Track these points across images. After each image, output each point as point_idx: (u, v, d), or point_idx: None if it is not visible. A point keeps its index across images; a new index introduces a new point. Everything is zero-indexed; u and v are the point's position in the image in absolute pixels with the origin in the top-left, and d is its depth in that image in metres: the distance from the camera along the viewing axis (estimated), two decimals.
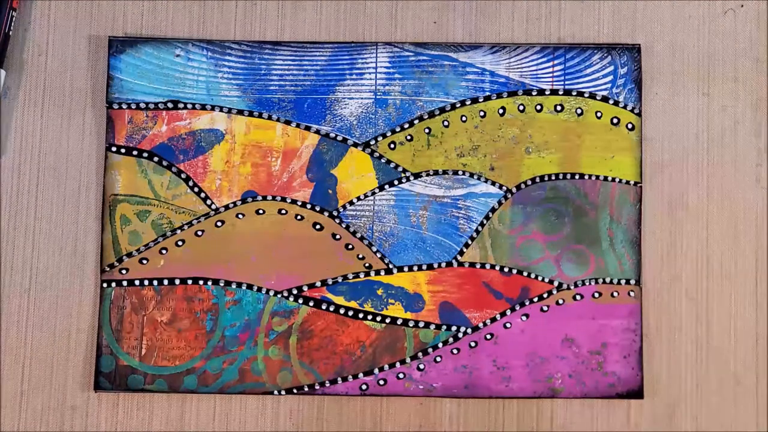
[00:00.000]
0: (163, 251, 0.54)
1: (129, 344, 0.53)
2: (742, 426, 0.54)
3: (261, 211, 0.54)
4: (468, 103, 0.55)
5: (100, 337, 0.53)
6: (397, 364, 0.53)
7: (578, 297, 0.54)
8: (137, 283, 0.53)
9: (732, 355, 0.54)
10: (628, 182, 0.54)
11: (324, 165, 0.54)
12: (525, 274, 0.54)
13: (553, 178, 0.54)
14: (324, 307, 0.53)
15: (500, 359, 0.53)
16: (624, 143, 0.55)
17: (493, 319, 0.54)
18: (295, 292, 0.53)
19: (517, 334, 0.53)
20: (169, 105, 0.54)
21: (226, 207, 0.54)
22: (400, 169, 0.54)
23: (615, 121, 0.55)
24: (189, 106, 0.54)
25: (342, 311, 0.53)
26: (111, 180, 0.54)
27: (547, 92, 0.55)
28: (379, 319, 0.53)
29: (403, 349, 0.53)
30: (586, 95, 0.55)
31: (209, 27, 0.55)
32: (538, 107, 0.55)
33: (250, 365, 0.53)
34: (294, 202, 0.54)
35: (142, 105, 0.54)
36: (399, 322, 0.53)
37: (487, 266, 0.54)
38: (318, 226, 0.54)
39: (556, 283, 0.54)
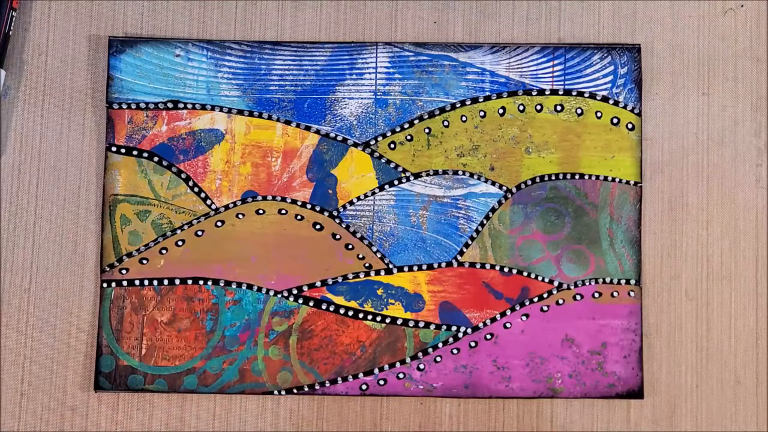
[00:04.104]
0: (163, 251, 0.54)
1: (129, 344, 0.53)
2: (742, 426, 0.54)
3: (261, 211, 0.54)
4: (468, 103, 0.55)
5: (100, 337, 0.53)
6: (397, 364, 0.53)
7: (578, 297, 0.54)
8: (137, 283, 0.53)
9: (732, 355, 0.54)
10: (628, 182, 0.54)
11: (324, 165, 0.54)
12: (525, 274, 0.54)
13: (553, 178, 0.54)
14: (324, 307, 0.53)
15: (500, 359, 0.53)
16: (624, 143, 0.55)
17: (493, 319, 0.54)
18: (295, 292, 0.53)
19: (517, 334, 0.53)
20: (169, 105, 0.54)
21: (226, 207, 0.54)
22: (400, 169, 0.54)
23: (615, 121, 0.55)
24: (189, 106, 0.54)
25: (342, 311, 0.53)
26: (111, 180, 0.54)
27: (547, 92, 0.55)
28: (379, 319, 0.53)
29: (403, 349, 0.53)
30: (586, 95, 0.55)
31: (209, 27, 0.55)
32: (538, 107, 0.55)
33: (250, 365, 0.53)
34: (294, 202, 0.54)
35: (142, 105, 0.54)
36: (399, 322, 0.53)
37: (487, 266, 0.54)
38: (318, 226, 0.54)
39: (556, 283, 0.54)
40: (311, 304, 0.53)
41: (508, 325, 0.54)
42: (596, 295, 0.54)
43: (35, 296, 0.54)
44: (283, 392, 0.53)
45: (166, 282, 0.53)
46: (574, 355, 0.53)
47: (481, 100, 0.55)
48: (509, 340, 0.53)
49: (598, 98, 0.55)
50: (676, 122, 0.55)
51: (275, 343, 0.53)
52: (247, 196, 0.54)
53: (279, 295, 0.53)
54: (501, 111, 0.55)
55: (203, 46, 0.55)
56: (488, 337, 0.53)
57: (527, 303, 0.54)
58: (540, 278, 0.54)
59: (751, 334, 0.54)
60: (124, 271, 0.53)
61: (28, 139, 0.54)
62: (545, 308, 0.54)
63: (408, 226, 0.54)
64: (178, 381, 0.53)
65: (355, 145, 0.55)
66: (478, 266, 0.54)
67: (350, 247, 0.54)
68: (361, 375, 0.53)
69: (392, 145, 0.54)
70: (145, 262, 0.53)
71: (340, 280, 0.54)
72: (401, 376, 0.53)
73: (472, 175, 0.54)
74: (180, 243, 0.54)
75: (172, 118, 0.54)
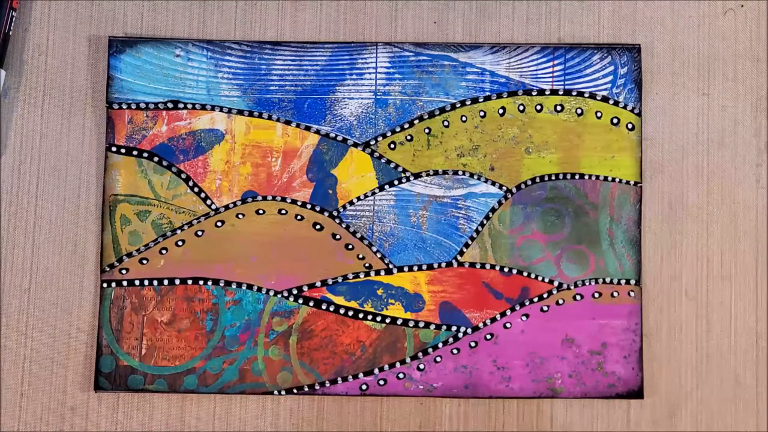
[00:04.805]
0: (163, 251, 0.54)
1: (129, 344, 0.53)
2: (742, 426, 0.54)
3: (261, 211, 0.54)
4: (468, 103, 0.55)
5: (100, 337, 0.53)
6: (397, 364, 0.53)
7: (578, 297, 0.54)
8: (137, 283, 0.53)
9: (732, 355, 0.54)
10: (628, 182, 0.54)
11: (324, 165, 0.54)
12: (525, 274, 0.54)
13: (553, 178, 0.54)
14: (324, 307, 0.53)
15: (500, 359, 0.53)
16: (624, 143, 0.55)
17: (493, 319, 0.54)
18: (295, 292, 0.53)
19: (517, 334, 0.53)
20: (169, 105, 0.54)
21: (226, 207, 0.54)
22: (400, 169, 0.54)
23: (615, 121, 0.55)
24: (189, 106, 0.54)
25: (342, 311, 0.53)
26: (111, 180, 0.54)
27: (547, 92, 0.55)
28: (379, 319, 0.53)
29: (403, 349, 0.53)
30: (586, 95, 0.55)
31: (209, 27, 0.55)
32: (538, 107, 0.55)
33: (250, 365, 0.53)
34: (294, 202, 0.54)
35: (142, 105, 0.54)
36: (399, 322, 0.53)
37: (487, 266, 0.54)
38: (318, 226, 0.54)
39: (556, 283, 0.54)
40: (311, 304, 0.53)
41: (508, 325, 0.54)
42: (596, 295, 0.54)
43: (35, 296, 0.54)
44: (283, 392, 0.53)
45: (166, 282, 0.53)
46: (574, 355, 0.53)
47: (481, 100, 0.55)
48: (509, 340, 0.53)
49: (598, 98, 0.55)
50: (676, 122, 0.55)
51: (275, 343, 0.53)
52: (247, 196, 0.54)
53: (279, 295, 0.53)
54: (501, 111, 0.55)
55: (203, 46, 0.55)
56: (488, 337, 0.53)
57: (527, 303, 0.54)
58: (540, 278, 0.54)
59: (751, 334, 0.54)
60: (124, 271, 0.53)
61: (28, 139, 0.54)
62: (545, 308, 0.54)
63: (408, 226, 0.54)
64: (178, 381, 0.53)
65: (355, 145, 0.55)
66: (478, 266, 0.54)
67: (350, 247, 0.54)
68: (361, 375, 0.53)
69: (392, 145, 0.54)
70: (145, 262, 0.53)
71: (340, 280, 0.54)
72: (401, 376, 0.53)
73: (472, 175, 0.54)
74: (180, 243, 0.54)
75: (172, 118, 0.54)
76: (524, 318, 0.54)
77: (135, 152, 0.54)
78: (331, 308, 0.53)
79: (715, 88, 0.56)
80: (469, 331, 0.53)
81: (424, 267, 0.54)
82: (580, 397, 0.53)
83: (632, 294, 0.54)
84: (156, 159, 0.54)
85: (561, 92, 0.55)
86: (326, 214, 0.54)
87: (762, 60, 0.56)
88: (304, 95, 0.55)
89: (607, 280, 0.54)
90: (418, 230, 0.54)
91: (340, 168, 0.54)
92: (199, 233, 0.54)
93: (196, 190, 0.54)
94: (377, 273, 0.54)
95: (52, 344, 0.53)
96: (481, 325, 0.53)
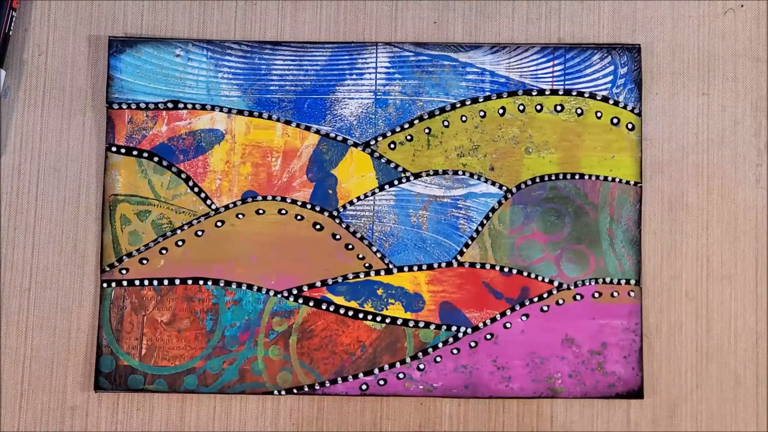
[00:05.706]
0: (163, 251, 0.54)
1: (129, 344, 0.53)
2: (742, 426, 0.54)
3: (261, 211, 0.54)
4: (468, 103, 0.55)
5: (100, 337, 0.53)
6: (397, 364, 0.53)
7: (578, 297, 0.54)
8: (137, 283, 0.53)
9: (732, 355, 0.54)
10: (628, 182, 0.54)
11: (324, 165, 0.54)
12: (525, 274, 0.54)
13: (553, 178, 0.54)
14: (324, 307, 0.53)
15: (500, 359, 0.53)
16: (624, 143, 0.55)
17: (493, 319, 0.54)
18: (295, 292, 0.54)
19: (517, 334, 0.53)
20: (169, 105, 0.54)
21: (226, 207, 0.54)
22: (400, 169, 0.54)
23: (615, 121, 0.55)
24: (189, 106, 0.54)
25: (342, 311, 0.53)
26: (111, 180, 0.54)
27: (547, 92, 0.55)
28: (379, 319, 0.53)
29: (403, 349, 0.53)
30: (586, 95, 0.55)
31: (209, 27, 0.55)
32: (538, 107, 0.55)
33: (250, 365, 0.53)
34: (294, 202, 0.54)
35: (142, 105, 0.54)
36: (399, 322, 0.53)
37: (487, 266, 0.54)
38: (318, 226, 0.54)
39: (556, 283, 0.54)
40: (311, 304, 0.53)
41: (508, 325, 0.54)
42: (596, 295, 0.54)
43: (35, 296, 0.54)
44: (283, 392, 0.53)
45: (166, 282, 0.53)
46: (574, 355, 0.53)
47: (481, 100, 0.55)
48: (509, 340, 0.53)
49: (598, 98, 0.55)
50: (676, 122, 0.55)
51: (275, 343, 0.53)
52: (247, 196, 0.54)
53: (279, 295, 0.53)
54: (501, 111, 0.55)
55: (203, 46, 0.55)
56: (488, 337, 0.53)
57: (527, 303, 0.54)
58: (540, 278, 0.54)
59: (751, 334, 0.54)
60: (124, 271, 0.53)
61: (28, 139, 0.54)
62: (545, 308, 0.54)
63: (408, 226, 0.54)
64: (178, 381, 0.53)
65: (355, 145, 0.55)
66: (478, 266, 0.54)
67: (350, 247, 0.54)
68: (361, 375, 0.53)
69: (392, 145, 0.55)
70: (145, 262, 0.53)
71: (340, 280, 0.54)
72: (401, 376, 0.53)
73: (472, 175, 0.54)
74: (180, 243, 0.54)
75: (172, 118, 0.54)
76: (524, 318, 0.54)
77: (135, 152, 0.54)
78: (331, 308, 0.53)
79: (715, 88, 0.56)
80: (469, 331, 0.53)
81: (424, 267, 0.54)
82: (580, 397, 0.53)
83: (632, 294, 0.54)
84: (156, 159, 0.54)
85: (561, 92, 0.55)
86: (326, 214, 0.54)
87: (762, 60, 0.56)
88: (304, 95, 0.55)
89: (607, 280, 0.54)
90: (418, 230, 0.54)
91: (340, 168, 0.54)
92: (199, 233, 0.54)
93: (196, 190, 0.54)
94: (377, 273, 0.54)
95: (52, 344, 0.53)
96: (481, 325, 0.53)
